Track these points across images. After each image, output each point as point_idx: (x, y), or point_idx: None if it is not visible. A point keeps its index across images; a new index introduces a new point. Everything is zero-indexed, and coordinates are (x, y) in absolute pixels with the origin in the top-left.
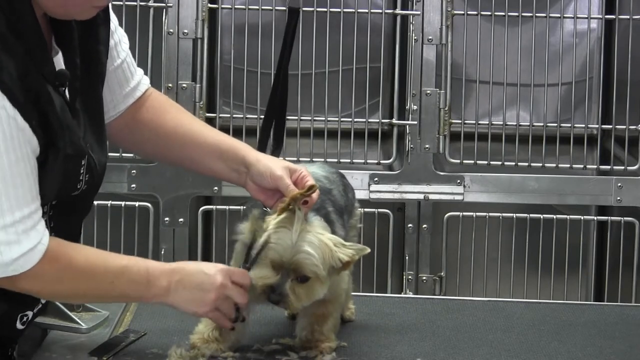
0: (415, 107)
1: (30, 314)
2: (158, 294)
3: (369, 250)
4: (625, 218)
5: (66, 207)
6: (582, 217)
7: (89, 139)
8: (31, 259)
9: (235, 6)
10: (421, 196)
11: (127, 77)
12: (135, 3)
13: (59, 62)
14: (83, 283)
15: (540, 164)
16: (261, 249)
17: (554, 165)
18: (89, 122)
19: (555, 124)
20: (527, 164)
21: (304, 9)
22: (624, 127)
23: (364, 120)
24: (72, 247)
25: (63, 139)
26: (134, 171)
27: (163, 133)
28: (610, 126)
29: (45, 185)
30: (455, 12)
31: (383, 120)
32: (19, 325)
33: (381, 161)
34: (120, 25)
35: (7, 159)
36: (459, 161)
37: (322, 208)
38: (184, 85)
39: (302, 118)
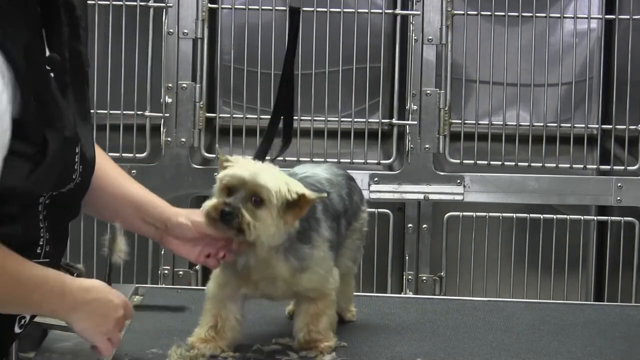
0: (415, 107)
1: (27, 317)
2: (68, 308)
3: (325, 195)
4: (625, 218)
5: (59, 205)
6: (582, 217)
7: (79, 135)
8: None
9: (235, 6)
10: (421, 196)
11: None
12: (135, 3)
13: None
14: (9, 289)
15: (540, 164)
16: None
17: (554, 165)
18: (79, 120)
19: (555, 124)
20: (527, 164)
21: (304, 9)
22: (624, 127)
23: (364, 120)
24: (4, 251)
25: (61, 120)
26: (134, 171)
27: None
28: (610, 126)
29: (47, 172)
30: (455, 12)
31: (383, 120)
32: (17, 329)
33: (381, 161)
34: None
35: None
36: (459, 161)
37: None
38: (184, 85)
39: (302, 118)
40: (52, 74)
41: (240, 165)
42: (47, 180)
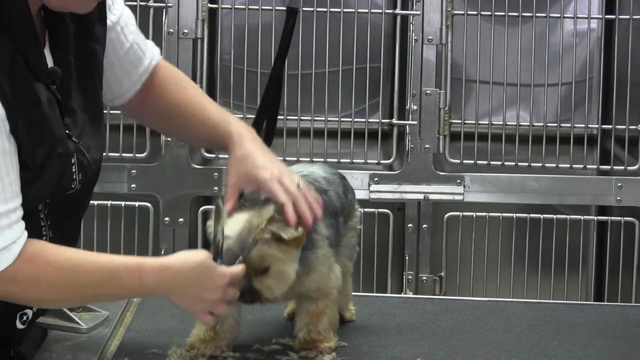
0: (415, 107)
1: (29, 312)
2: (154, 294)
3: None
4: (625, 218)
5: (62, 205)
6: (582, 217)
7: (85, 138)
8: (6, 258)
9: (235, 6)
10: (421, 196)
11: (140, 57)
12: (135, 3)
13: (49, 58)
14: (64, 284)
15: (540, 164)
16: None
17: (554, 165)
18: (88, 121)
19: (555, 124)
20: (527, 164)
21: (304, 9)
22: (624, 127)
23: (364, 120)
24: (52, 247)
25: (52, 137)
26: (134, 171)
27: (164, 109)
28: (610, 126)
29: (42, 184)
30: (455, 12)
31: (383, 120)
32: (19, 325)
33: (381, 161)
34: None
35: None
36: (459, 161)
37: None
38: None
39: (302, 118)
40: (51, 85)
41: (228, 231)
42: (40, 195)
